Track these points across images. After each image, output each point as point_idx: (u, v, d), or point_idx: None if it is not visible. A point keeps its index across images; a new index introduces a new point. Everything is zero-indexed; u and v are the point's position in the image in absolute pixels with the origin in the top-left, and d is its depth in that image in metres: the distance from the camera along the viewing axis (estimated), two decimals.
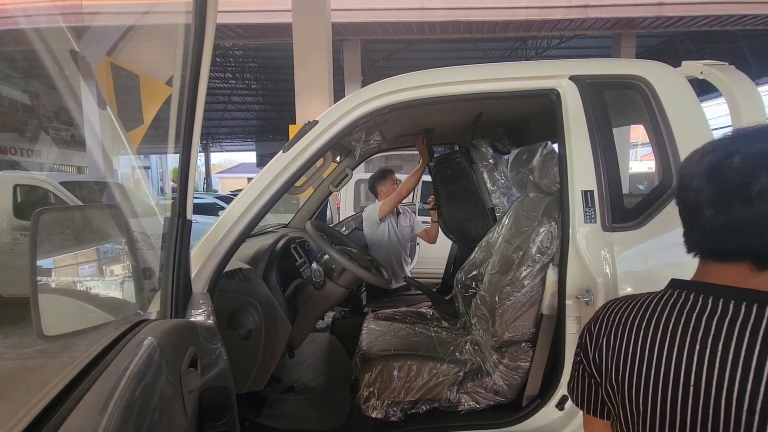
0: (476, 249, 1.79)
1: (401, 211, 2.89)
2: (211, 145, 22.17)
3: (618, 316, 0.64)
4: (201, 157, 24.10)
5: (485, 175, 1.98)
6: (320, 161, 1.78)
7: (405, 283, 2.85)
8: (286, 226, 2.50)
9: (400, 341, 1.57)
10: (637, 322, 0.61)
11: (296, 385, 1.85)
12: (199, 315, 0.93)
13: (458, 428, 1.28)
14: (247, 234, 1.16)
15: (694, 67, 1.36)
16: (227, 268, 1.19)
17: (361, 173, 7.01)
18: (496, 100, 1.33)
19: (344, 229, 3.14)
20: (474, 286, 1.72)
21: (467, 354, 1.46)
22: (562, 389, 1.24)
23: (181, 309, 0.87)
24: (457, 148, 2.29)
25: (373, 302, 2.69)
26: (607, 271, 1.15)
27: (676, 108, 1.20)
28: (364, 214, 2.87)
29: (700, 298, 0.56)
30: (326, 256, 1.51)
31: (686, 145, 1.19)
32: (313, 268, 1.42)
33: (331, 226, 2.99)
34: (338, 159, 2.42)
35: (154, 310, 0.90)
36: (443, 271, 2.89)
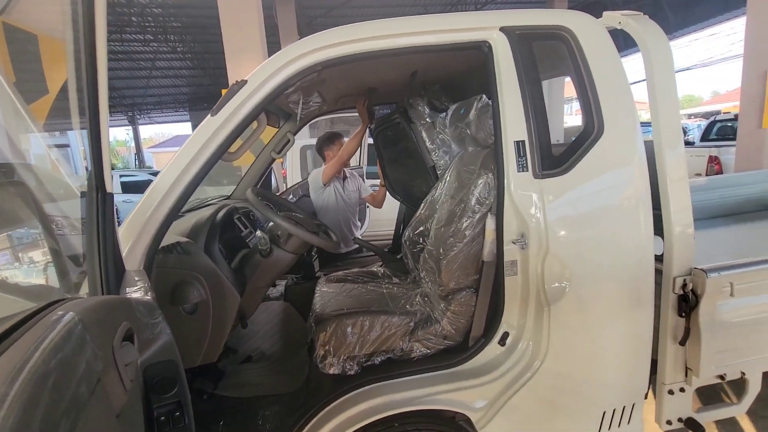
0: (422, 206, 1.84)
1: (347, 176, 2.87)
2: (138, 116, 20.18)
3: None
4: (129, 131, 22.02)
5: (424, 134, 1.98)
6: (254, 124, 1.70)
7: (356, 246, 2.88)
8: (228, 197, 2.40)
9: (353, 300, 1.62)
10: None
11: (253, 354, 1.86)
12: (135, 292, 0.88)
13: (412, 373, 1.35)
14: (180, 206, 1.10)
15: (613, 18, 1.43)
16: (164, 243, 1.13)
17: (306, 138, 6.81)
18: (430, 53, 1.33)
19: (291, 197, 3.08)
20: (421, 241, 1.78)
21: (417, 305, 1.54)
22: (503, 327, 1.35)
23: (113, 287, 0.82)
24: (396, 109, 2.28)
25: (326, 267, 2.71)
26: (539, 216, 1.24)
27: (598, 58, 1.27)
28: (309, 179, 2.83)
29: None
30: (271, 224, 1.48)
31: (606, 94, 1.27)
32: (257, 235, 1.39)
33: (277, 194, 2.91)
34: (279, 124, 2.32)
35: (84, 293, 0.85)
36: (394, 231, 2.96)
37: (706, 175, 5.84)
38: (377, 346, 1.40)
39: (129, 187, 8.21)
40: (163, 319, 0.82)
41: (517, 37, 1.26)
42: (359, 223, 3.06)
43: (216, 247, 1.40)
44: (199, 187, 1.14)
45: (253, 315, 1.55)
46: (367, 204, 4.08)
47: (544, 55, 1.38)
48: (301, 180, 4.70)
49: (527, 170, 1.24)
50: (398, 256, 2.17)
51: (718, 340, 1.35)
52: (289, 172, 5.19)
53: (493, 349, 1.35)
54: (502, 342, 1.35)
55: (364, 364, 1.40)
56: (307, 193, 2.88)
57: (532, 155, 1.24)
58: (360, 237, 2.69)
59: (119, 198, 6.22)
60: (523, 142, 1.24)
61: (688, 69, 16.45)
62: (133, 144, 21.05)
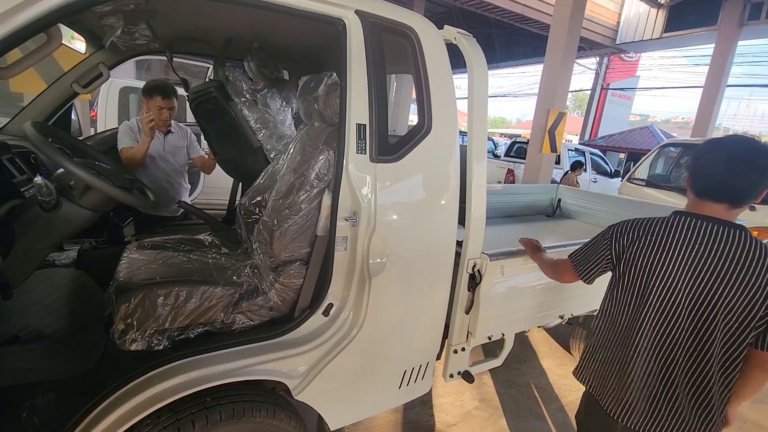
0: (261, 175, 1.76)
1: (173, 129, 2.51)
2: None
3: (641, 226, 1.21)
4: None
5: (246, 112, 1.85)
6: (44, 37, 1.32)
7: (183, 211, 2.57)
8: None
9: (170, 269, 1.44)
10: (654, 231, 1.17)
11: (22, 334, 1.47)
12: None
13: (231, 346, 1.30)
14: None
15: (450, 32, 1.63)
16: None
17: (131, 79, 5.68)
18: (285, 15, 1.26)
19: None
20: (257, 212, 1.71)
21: (245, 277, 1.48)
22: (329, 299, 1.42)
23: None
24: (212, 80, 2.04)
25: (143, 233, 2.33)
26: (371, 196, 1.34)
27: (433, 63, 1.43)
28: (119, 131, 2.38)
29: (698, 222, 1.11)
30: (61, 170, 1.18)
31: (437, 98, 1.45)
32: (37, 183, 1.08)
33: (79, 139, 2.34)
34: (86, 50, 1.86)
35: None
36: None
37: (504, 183, 7.32)
38: (194, 318, 1.29)
39: None
40: None
41: (370, 24, 1.31)
42: (188, 186, 2.71)
43: None
44: None
45: (23, 284, 1.21)
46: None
47: (392, 49, 1.48)
48: (119, 126, 3.88)
49: (365, 153, 1.32)
50: (233, 227, 2.03)
51: (490, 309, 1.72)
52: (101, 115, 4.22)
53: (316, 320, 1.41)
54: (326, 313, 1.42)
55: (177, 338, 1.27)
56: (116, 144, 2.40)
57: (371, 140, 1.32)
58: (188, 202, 2.38)
59: None
60: (364, 125, 1.31)
61: (503, 96, 20.15)
62: None
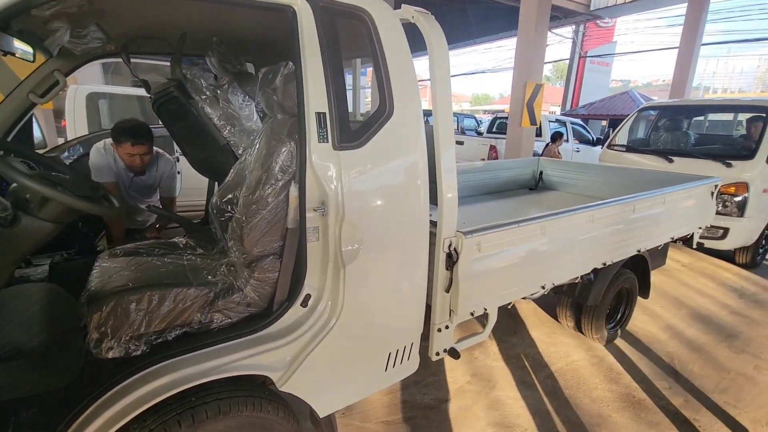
0: (231, 172, 1.74)
1: (148, 171, 2.43)
2: None
3: None
4: None
5: (208, 110, 1.81)
6: None
7: (164, 216, 2.54)
8: None
9: (142, 274, 1.44)
10: None
11: (1, 352, 1.46)
12: None
13: (211, 344, 1.30)
14: None
15: (408, 12, 1.61)
16: None
17: (98, 84, 5.54)
18: (234, 5, 1.24)
19: (66, 154, 2.46)
20: (230, 209, 1.70)
21: (220, 276, 1.47)
22: (306, 290, 1.42)
23: None
24: (171, 80, 1.97)
25: (120, 243, 2.30)
26: (337, 185, 1.33)
27: (391, 44, 1.41)
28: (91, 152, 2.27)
29: None
30: (15, 184, 1.15)
31: (397, 80, 1.43)
32: None
33: (44, 151, 2.28)
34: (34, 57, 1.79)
35: None
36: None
37: (488, 159, 7.33)
38: (170, 321, 1.29)
39: None
40: None
41: (321, 9, 1.29)
42: (157, 199, 2.65)
43: None
44: None
45: None
46: (179, 169, 3.63)
47: (349, 33, 1.46)
48: (88, 133, 3.79)
49: (327, 141, 1.31)
50: (208, 227, 2.01)
51: (470, 286, 1.74)
52: (69, 123, 4.12)
53: (295, 311, 1.42)
54: (304, 303, 1.43)
55: (154, 341, 1.28)
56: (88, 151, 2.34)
57: (332, 127, 1.31)
58: (157, 205, 2.31)
59: None
60: (324, 114, 1.30)
61: (483, 72, 20.00)
62: None
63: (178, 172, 3.68)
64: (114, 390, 1.16)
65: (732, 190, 4.01)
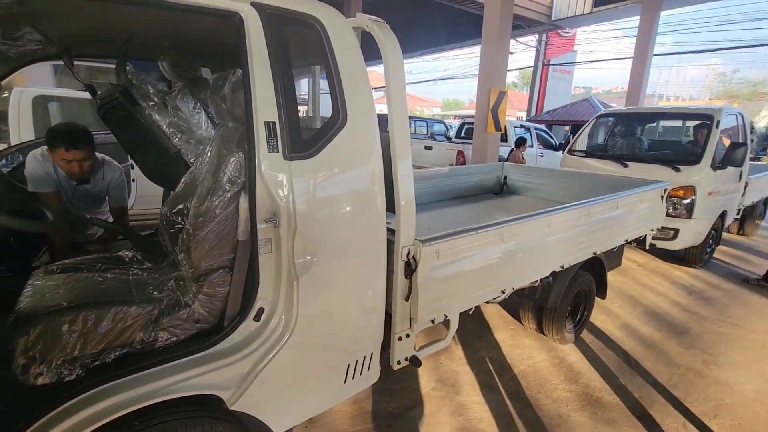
0: (181, 182, 1.67)
1: (92, 179, 2.27)
2: None
3: None
4: None
5: (156, 117, 1.74)
6: None
7: (113, 229, 2.40)
8: None
9: (80, 292, 1.35)
10: None
11: None
12: None
13: (156, 364, 1.24)
14: None
15: (362, 20, 1.60)
16: None
17: (49, 87, 5.24)
18: (178, 12, 1.19)
19: (4, 162, 2.29)
20: (180, 221, 1.63)
21: (167, 291, 1.41)
22: (259, 303, 1.38)
23: None
24: (116, 86, 1.87)
25: (65, 258, 2.15)
26: (288, 195, 1.30)
27: (343, 53, 1.40)
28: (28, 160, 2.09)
29: None
30: None
31: (350, 88, 1.42)
32: None
33: None
34: None
35: None
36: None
37: (456, 164, 7.44)
38: (109, 342, 1.22)
39: None
40: None
41: (269, 17, 1.26)
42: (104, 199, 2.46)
43: None
44: None
45: None
46: (134, 177, 3.47)
47: (302, 41, 1.43)
48: (34, 138, 3.55)
49: (278, 151, 1.28)
50: (157, 239, 1.92)
51: (429, 294, 1.74)
52: (13, 128, 3.85)
53: (247, 326, 1.37)
54: (257, 317, 1.38)
55: (91, 364, 1.20)
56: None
57: (283, 137, 1.28)
58: (98, 218, 2.14)
59: None
60: (273, 123, 1.27)
61: (452, 78, 20.38)
62: None
63: (133, 180, 3.53)
64: (45, 419, 1.08)
65: (681, 193, 4.24)
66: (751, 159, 6.32)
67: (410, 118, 11.93)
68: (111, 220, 2.31)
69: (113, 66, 1.84)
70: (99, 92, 1.98)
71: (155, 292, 1.40)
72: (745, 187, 5.23)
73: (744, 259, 5.21)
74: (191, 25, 1.68)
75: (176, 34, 1.80)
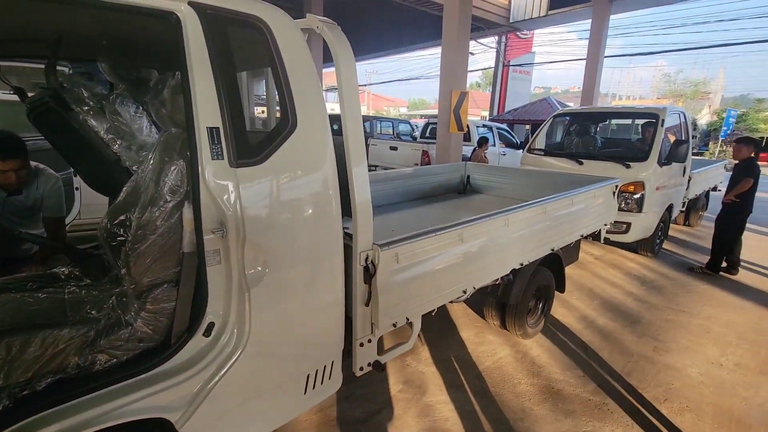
0: (123, 191, 1.57)
1: (25, 190, 2.08)
2: None
3: None
4: None
5: (92, 122, 1.64)
6: None
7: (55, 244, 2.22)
8: None
9: (5, 316, 1.23)
10: None
11: None
12: None
13: (94, 389, 1.15)
14: None
15: (313, 21, 1.56)
16: None
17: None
18: (109, 11, 1.11)
19: None
20: (122, 233, 1.53)
21: (106, 310, 1.31)
22: (209, 318, 1.31)
23: None
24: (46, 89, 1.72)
25: None
26: (236, 204, 1.25)
27: (291, 55, 1.36)
28: None
29: None
30: None
31: (299, 91, 1.38)
32: None
33: None
34: None
35: None
36: None
37: (421, 164, 7.50)
38: (39, 369, 1.12)
39: None
40: None
41: (209, 17, 1.20)
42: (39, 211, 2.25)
43: None
44: None
45: None
46: (77, 185, 3.25)
47: (247, 42, 1.38)
48: None
49: (223, 158, 1.22)
50: (98, 252, 1.80)
51: (390, 298, 1.73)
52: None
53: (197, 342, 1.31)
54: (207, 333, 1.32)
55: (19, 394, 1.09)
56: None
57: (228, 143, 1.23)
58: (28, 232, 1.94)
59: None
60: (217, 128, 1.21)
61: (417, 78, 20.56)
62: None
63: (77, 188, 3.30)
64: None
65: (631, 188, 4.47)
66: (694, 155, 6.75)
67: (376, 118, 11.91)
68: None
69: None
70: (29, 95, 1.83)
71: (93, 312, 1.30)
72: (689, 181, 5.58)
73: (690, 248, 5.56)
74: (129, 24, 1.58)
75: (114, 34, 1.69)
